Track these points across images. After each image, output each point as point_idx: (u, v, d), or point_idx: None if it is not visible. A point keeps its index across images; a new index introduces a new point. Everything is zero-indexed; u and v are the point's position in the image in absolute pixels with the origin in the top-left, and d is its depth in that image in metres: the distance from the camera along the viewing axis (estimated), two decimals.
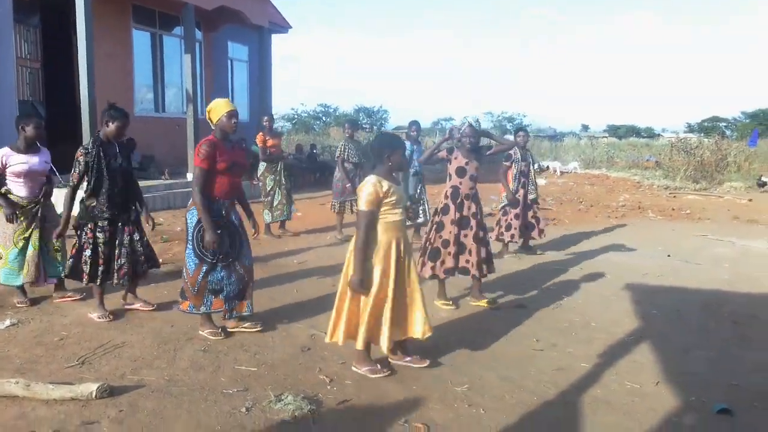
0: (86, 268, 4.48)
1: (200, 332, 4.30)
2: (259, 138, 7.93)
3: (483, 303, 5.22)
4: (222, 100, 4.33)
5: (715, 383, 3.79)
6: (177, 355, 3.94)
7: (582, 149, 28.47)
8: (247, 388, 3.49)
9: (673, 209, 12.08)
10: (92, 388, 3.23)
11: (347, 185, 7.82)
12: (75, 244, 4.54)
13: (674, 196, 14.52)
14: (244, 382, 3.57)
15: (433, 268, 5.08)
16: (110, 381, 3.44)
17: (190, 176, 11.13)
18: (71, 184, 4.45)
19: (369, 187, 3.54)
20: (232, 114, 4.17)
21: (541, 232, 7.53)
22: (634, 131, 57.80)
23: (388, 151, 3.65)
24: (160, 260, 6.39)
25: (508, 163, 7.25)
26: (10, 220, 4.71)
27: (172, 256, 6.73)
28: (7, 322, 4.40)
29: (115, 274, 4.55)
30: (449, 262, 5.06)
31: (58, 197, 5.13)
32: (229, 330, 4.38)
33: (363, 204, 3.52)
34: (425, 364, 3.83)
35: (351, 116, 45.70)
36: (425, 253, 5.13)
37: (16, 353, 3.89)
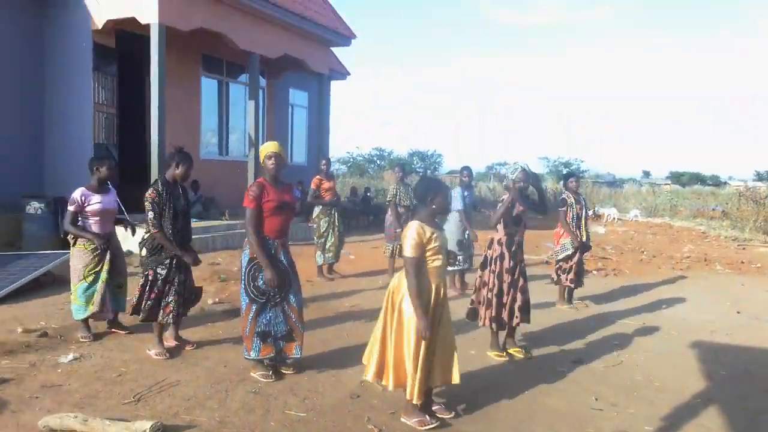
0: (150, 305, 4.63)
1: (252, 374, 4.33)
2: (314, 181, 8.10)
3: (517, 351, 5.14)
4: (269, 143, 4.50)
5: None
6: (229, 396, 3.98)
7: (643, 197, 27.61)
8: None
9: (743, 262, 11.47)
10: (146, 426, 3.29)
11: (398, 230, 7.86)
12: (141, 283, 4.69)
13: (743, 248, 13.81)
14: (293, 427, 3.56)
15: (492, 318, 4.97)
16: (164, 419, 3.50)
17: None
18: (156, 224, 4.54)
19: (412, 232, 3.52)
20: (273, 155, 4.32)
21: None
22: (698, 179, 55.75)
23: (432, 195, 3.64)
24: (217, 299, 6.57)
25: (564, 209, 7.10)
26: (102, 249, 4.98)
27: (228, 295, 6.86)
28: (70, 357, 4.57)
29: (162, 311, 4.67)
30: (506, 312, 4.96)
31: (125, 234, 5.39)
32: (282, 372, 4.41)
33: (408, 250, 3.51)
34: (450, 415, 3.78)
35: (404, 160, 46.16)
36: (485, 302, 5.02)
37: (76, 387, 4.02)
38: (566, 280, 7.08)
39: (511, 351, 5.13)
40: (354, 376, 4.45)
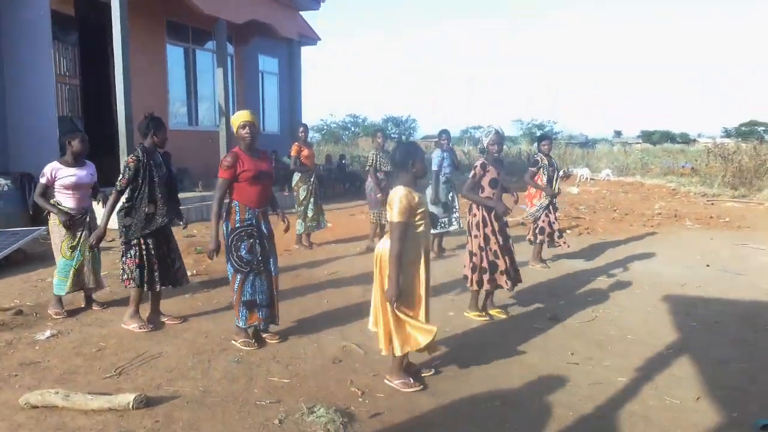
0: (138, 274, 4.58)
1: (234, 342, 4.34)
2: (294, 148, 7.99)
3: (498, 312, 5.25)
4: (241, 111, 4.41)
5: (758, 397, 3.66)
6: (211, 366, 3.99)
7: (615, 156, 28.00)
8: (279, 399, 3.50)
9: (711, 217, 11.76)
10: (129, 398, 3.29)
11: (378, 195, 7.85)
12: (130, 254, 4.60)
13: (712, 204, 14.16)
14: (277, 393, 3.59)
15: (490, 281, 5.01)
16: (146, 392, 3.49)
17: None
18: (118, 188, 4.51)
19: (402, 198, 3.52)
20: (246, 123, 4.26)
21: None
22: (668, 137, 56.58)
23: (412, 159, 3.65)
24: (194, 271, 6.52)
25: (534, 169, 7.16)
26: (66, 225, 4.87)
27: (206, 267, 6.82)
28: (48, 333, 4.52)
29: (159, 281, 4.64)
30: (504, 274, 5.04)
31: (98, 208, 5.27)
32: (265, 340, 4.43)
33: (396, 215, 3.50)
34: (430, 373, 3.88)
35: (380, 126, 45.87)
36: (478, 269, 5.03)
37: (55, 364, 3.98)
38: (541, 238, 7.19)
39: (491, 312, 5.22)
40: (335, 342, 4.49)
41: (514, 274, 5.11)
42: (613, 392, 3.72)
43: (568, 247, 7.39)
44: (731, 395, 3.69)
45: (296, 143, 8.06)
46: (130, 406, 3.26)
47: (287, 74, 15.30)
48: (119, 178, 4.52)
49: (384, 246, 3.64)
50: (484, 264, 4.99)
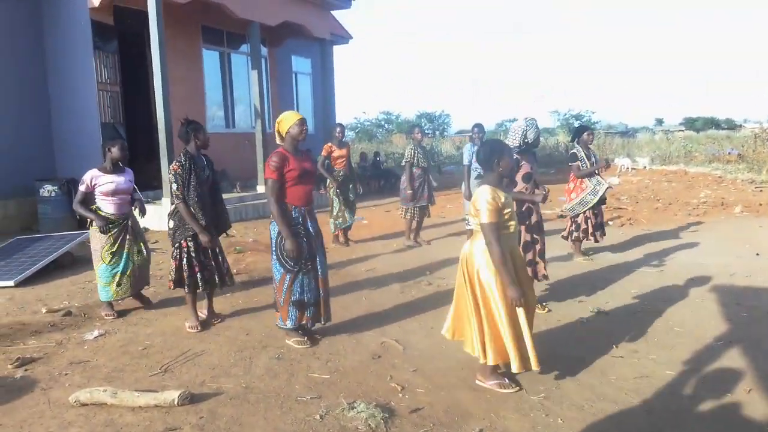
0: (185, 278, 4.67)
1: (287, 341, 4.38)
2: (325, 148, 7.96)
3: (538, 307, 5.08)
4: (290, 111, 4.45)
5: None
6: (253, 363, 4.04)
7: (657, 144, 27.23)
8: (320, 395, 3.53)
9: (761, 204, 11.31)
10: (174, 395, 3.36)
11: (408, 191, 7.83)
12: (174, 255, 4.71)
13: (760, 191, 13.61)
14: (317, 389, 3.62)
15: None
16: (191, 389, 3.56)
17: (260, 188, 11.45)
18: (180, 197, 4.55)
19: (488, 198, 3.35)
20: (302, 122, 4.26)
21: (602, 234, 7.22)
22: (712, 123, 54.75)
23: (497, 157, 3.46)
24: (235, 270, 6.62)
25: (577, 163, 6.99)
26: (103, 231, 5.00)
27: (245, 266, 6.92)
28: (96, 333, 4.66)
29: (201, 282, 4.72)
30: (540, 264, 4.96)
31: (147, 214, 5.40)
32: (316, 338, 4.46)
33: (485, 216, 3.33)
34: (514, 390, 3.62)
35: (414, 122, 45.75)
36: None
37: (103, 362, 4.10)
38: (584, 232, 7.04)
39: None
40: (374, 338, 4.49)
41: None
42: (661, 386, 3.62)
43: (597, 242, 7.20)
44: None
45: (329, 143, 8.03)
46: (176, 402, 3.33)
47: (320, 74, 15.37)
48: (174, 189, 4.57)
49: (467, 249, 3.53)
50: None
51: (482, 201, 3.36)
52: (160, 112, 9.32)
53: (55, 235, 7.50)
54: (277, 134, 4.34)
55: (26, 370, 3.95)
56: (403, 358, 4.11)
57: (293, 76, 15.70)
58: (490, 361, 3.46)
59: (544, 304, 5.21)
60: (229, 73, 13.33)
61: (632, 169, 19.85)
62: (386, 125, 49.16)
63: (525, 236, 4.94)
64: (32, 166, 9.60)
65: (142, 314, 5.21)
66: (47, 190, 9.06)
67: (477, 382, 3.64)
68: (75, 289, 6.02)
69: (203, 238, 4.58)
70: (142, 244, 5.25)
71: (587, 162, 6.99)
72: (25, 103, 9.69)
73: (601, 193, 6.97)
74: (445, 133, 46.26)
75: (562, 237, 7.27)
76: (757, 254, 7.15)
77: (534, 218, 4.96)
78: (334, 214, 8.05)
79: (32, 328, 4.83)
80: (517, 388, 3.57)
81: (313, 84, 16.27)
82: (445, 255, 7.24)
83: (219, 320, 4.96)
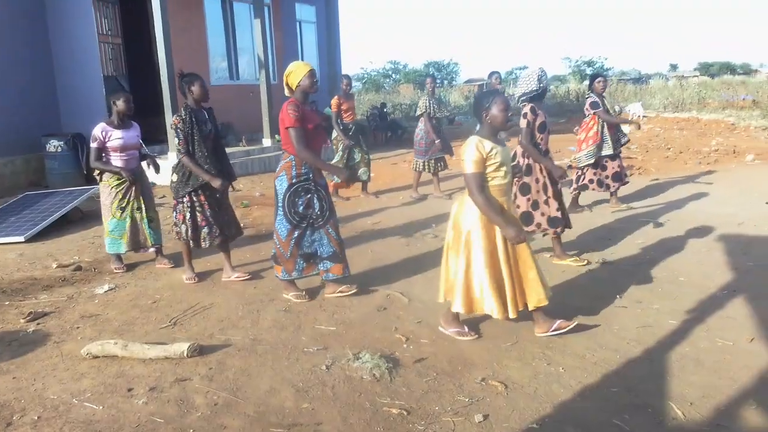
0: (191, 232, 4.66)
1: (284, 295, 4.42)
2: (334, 102, 7.76)
3: (569, 261, 5.06)
4: (300, 62, 4.27)
5: None
6: (260, 316, 4.11)
7: (670, 91, 26.62)
8: (326, 346, 3.59)
9: None
10: (184, 347, 3.44)
11: (436, 141, 7.66)
12: (178, 209, 4.68)
13: None
14: (324, 341, 3.68)
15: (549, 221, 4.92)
16: (200, 341, 3.64)
17: (266, 142, 11.39)
18: (182, 151, 4.50)
19: (471, 147, 3.36)
20: (313, 73, 4.14)
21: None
22: (728, 68, 53.34)
23: (486, 108, 3.43)
24: (241, 224, 6.66)
25: (597, 110, 6.79)
26: (131, 181, 5.01)
27: (252, 220, 6.96)
28: (106, 287, 4.74)
29: (207, 238, 4.70)
30: (543, 223, 4.93)
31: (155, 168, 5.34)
32: (327, 295, 4.43)
33: (467, 166, 3.36)
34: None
35: (423, 72, 44.93)
36: (538, 207, 4.93)
37: (114, 316, 4.19)
38: (590, 182, 6.97)
39: (565, 261, 5.08)
40: (380, 291, 4.54)
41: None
42: (663, 335, 3.65)
43: (611, 192, 7.13)
44: None
45: (337, 96, 7.86)
46: (185, 354, 3.41)
47: (325, 22, 15.02)
48: (176, 143, 4.52)
49: (458, 207, 3.53)
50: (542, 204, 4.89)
51: (466, 151, 3.39)
52: (162, 64, 9.20)
53: (63, 191, 7.55)
54: (286, 87, 4.21)
55: (38, 324, 4.05)
56: (408, 309, 4.16)
57: (297, 24, 15.35)
58: (454, 308, 3.53)
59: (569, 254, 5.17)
60: (231, 22, 13.05)
61: (644, 116, 19.48)
62: (393, 75, 48.34)
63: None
64: (38, 122, 9.57)
65: (150, 268, 5.28)
66: (53, 145, 9.07)
67: (440, 328, 3.74)
68: (85, 244, 6.09)
69: (215, 183, 4.51)
70: (143, 201, 5.17)
71: (601, 110, 6.83)
72: (27, 59, 9.59)
73: (610, 151, 6.85)
74: (454, 83, 45.48)
75: (574, 189, 7.16)
76: (767, 203, 7.08)
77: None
78: (349, 166, 7.87)
79: (43, 282, 4.91)
80: (476, 335, 3.66)
81: (318, 33, 15.92)
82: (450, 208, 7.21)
83: (247, 277, 4.87)
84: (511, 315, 3.48)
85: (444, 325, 3.74)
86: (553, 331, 3.61)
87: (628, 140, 7.15)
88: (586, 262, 5.05)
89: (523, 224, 4.81)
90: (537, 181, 4.91)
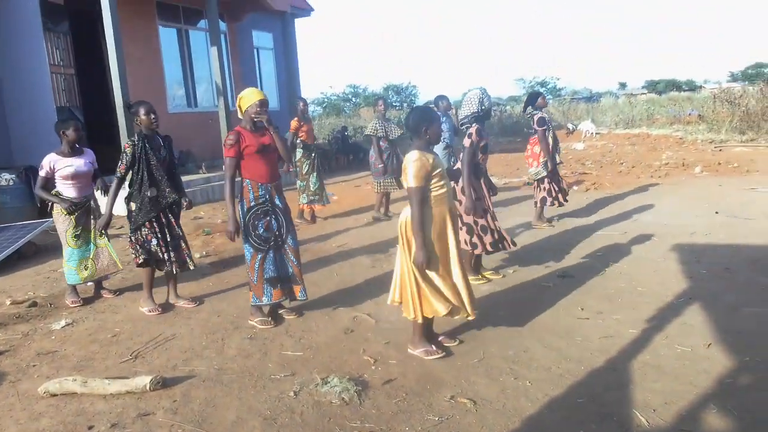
0: (146, 253, 4.60)
1: (249, 321, 4.38)
2: (293, 124, 7.84)
3: (491, 274, 5.24)
4: (252, 89, 4.36)
5: None
6: (225, 344, 4.04)
7: (620, 108, 27.56)
8: (293, 372, 3.55)
9: (720, 163, 11.63)
10: (146, 381, 3.35)
11: (379, 165, 7.81)
12: (138, 234, 4.60)
13: (720, 150, 13.98)
14: (291, 366, 3.64)
15: (484, 245, 4.97)
16: (163, 373, 3.55)
17: None
18: (118, 175, 4.54)
19: (416, 162, 3.44)
20: (262, 103, 4.19)
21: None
22: (674, 85, 55.59)
23: (426, 124, 3.54)
24: (204, 252, 6.57)
25: (543, 128, 7.00)
26: (70, 211, 4.92)
27: (215, 248, 6.86)
28: (63, 323, 4.58)
29: (173, 263, 4.67)
30: (496, 236, 5.02)
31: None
32: (282, 317, 4.46)
33: (412, 180, 3.43)
34: (455, 343, 3.84)
35: (379, 95, 45.40)
36: (474, 231, 4.97)
37: (72, 352, 4.05)
38: (550, 202, 7.13)
39: (486, 274, 5.21)
40: (347, 313, 4.52)
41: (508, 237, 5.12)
42: (624, 344, 3.74)
43: (561, 205, 7.33)
44: (742, 340, 3.69)
45: (296, 118, 7.93)
46: (148, 387, 3.32)
47: (283, 48, 15.10)
48: (119, 165, 4.54)
49: (405, 214, 3.58)
50: (480, 225, 4.98)
51: (409, 165, 3.46)
52: (117, 94, 9.05)
53: (16, 225, 7.30)
54: (238, 109, 4.31)
55: None
56: (375, 331, 4.16)
57: (255, 51, 15.37)
58: (412, 317, 3.58)
59: (509, 269, 5.29)
60: (188, 50, 13.00)
61: (596, 133, 20.10)
62: (353, 99, 48.68)
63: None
64: None
65: (109, 301, 5.14)
66: (5, 179, 8.79)
67: (409, 350, 3.75)
68: (39, 279, 5.89)
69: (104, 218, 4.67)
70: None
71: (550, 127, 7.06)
72: None
73: (557, 159, 7.09)
74: (413, 105, 46.04)
75: (535, 203, 7.28)
76: (716, 212, 7.37)
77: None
78: (313, 189, 7.93)
79: None
80: (443, 353, 3.69)
81: (276, 59, 15.97)
82: None
83: (198, 303, 4.91)
84: (470, 316, 3.61)
85: (411, 347, 3.75)
86: (417, 352, 3.69)
87: (561, 162, 7.43)
88: (502, 275, 5.22)
89: (480, 237, 4.95)
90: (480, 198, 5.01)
